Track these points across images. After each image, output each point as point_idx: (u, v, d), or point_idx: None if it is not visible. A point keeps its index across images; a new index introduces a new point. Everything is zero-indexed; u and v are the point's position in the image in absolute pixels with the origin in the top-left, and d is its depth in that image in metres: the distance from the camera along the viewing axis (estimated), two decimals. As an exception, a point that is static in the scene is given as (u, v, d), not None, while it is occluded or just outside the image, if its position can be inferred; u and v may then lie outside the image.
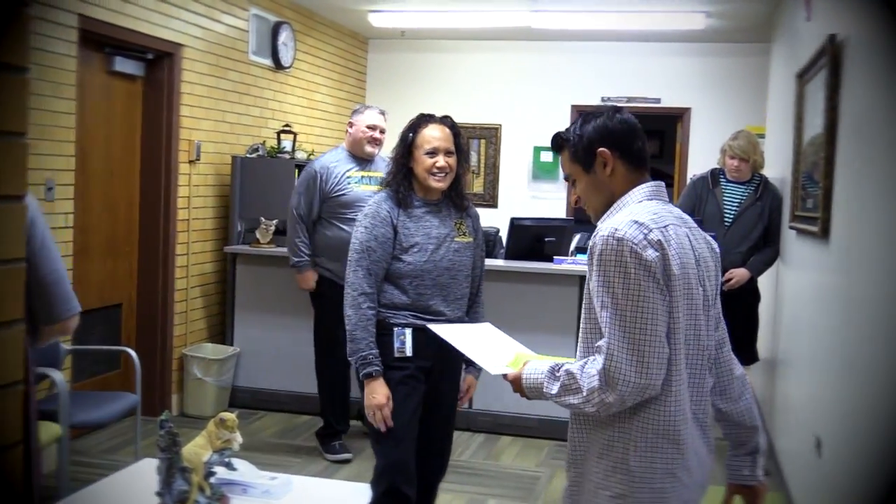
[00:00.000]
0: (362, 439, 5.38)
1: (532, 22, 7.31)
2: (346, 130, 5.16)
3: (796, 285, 4.82)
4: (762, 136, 6.17)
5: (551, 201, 8.48)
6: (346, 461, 5.13)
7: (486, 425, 5.63)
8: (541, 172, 8.55)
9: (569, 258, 5.69)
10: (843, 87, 3.62)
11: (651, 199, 2.14)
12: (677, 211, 2.19)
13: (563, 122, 8.43)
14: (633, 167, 2.18)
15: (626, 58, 8.32)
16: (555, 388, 2.08)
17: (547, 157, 8.49)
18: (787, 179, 5.09)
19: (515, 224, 5.80)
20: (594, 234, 2.10)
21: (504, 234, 6.18)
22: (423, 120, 3.26)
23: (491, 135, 8.62)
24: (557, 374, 2.09)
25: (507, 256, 5.76)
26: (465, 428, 5.49)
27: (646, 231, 2.02)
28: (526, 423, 5.60)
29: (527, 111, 8.54)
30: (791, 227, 4.78)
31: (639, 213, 2.07)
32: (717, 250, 2.25)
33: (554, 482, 4.87)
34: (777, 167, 5.75)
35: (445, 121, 3.29)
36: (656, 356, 1.98)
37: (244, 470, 2.79)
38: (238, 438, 2.63)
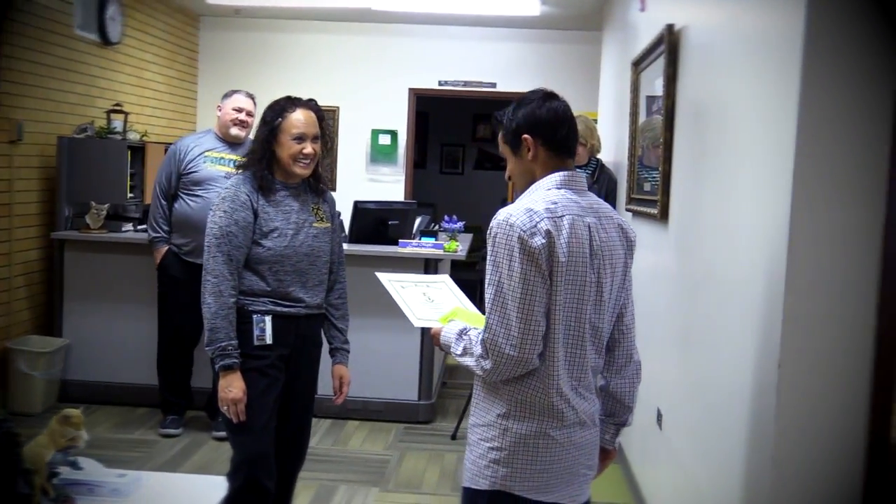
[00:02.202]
0: (206, 430, 5.24)
1: (372, 3, 7.26)
2: (216, 114, 5.18)
3: (634, 265, 5.01)
4: (595, 121, 6.37)
5: (389, 184, 8.48)
6: (171, 436, 5.19)
7: (332, 411, 5.56)
8: (379, 156, 8.52)
9: (413, 241, 5.70)
10: (679, 76, 3.78)
11: (560, 188, 2.28)
12: (588, 200, 2.31)
13: (401, 106, 8.47)
14: (554, 154, 2.32)
15: (464, 42, 8.41)
16: (459, 349, 2.30)
17: (385, 140, 8.47)
18: (623, 163, 5.28)
19: (359, 207, 5.77)
20: (494, 216, 2.22)
21: (346, 218, 6.13)
22: (291, 104, 3.15)
23: (328, 117, 8.47)
24: (463, 337, 2.30)
25: (352, 240, 5.73)
26: (311, 414, 5.41)
27: (537, 219, 2.16)
28: (373, 406, 5.59)
29: (365, 94, 8.49)
30: (627, 210, 4.96)
31: (539, 201, 2.22)
32: (633, 239, 2.43)
33: (403, 464, 4.89)
34: (609, 151, 5.96)
35: (311, 104, 3.21)
36: (531, 334, 2.15)
37: (90, 469, 2.65)
38: (84, 436, 2.50)
